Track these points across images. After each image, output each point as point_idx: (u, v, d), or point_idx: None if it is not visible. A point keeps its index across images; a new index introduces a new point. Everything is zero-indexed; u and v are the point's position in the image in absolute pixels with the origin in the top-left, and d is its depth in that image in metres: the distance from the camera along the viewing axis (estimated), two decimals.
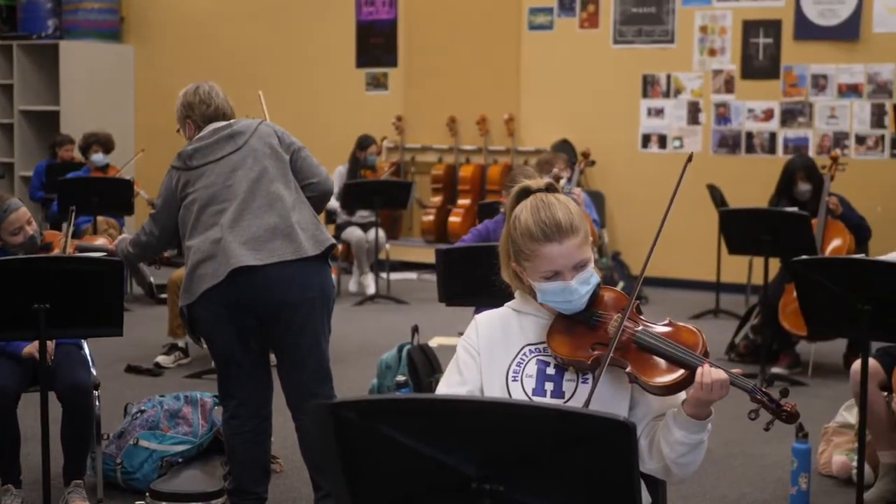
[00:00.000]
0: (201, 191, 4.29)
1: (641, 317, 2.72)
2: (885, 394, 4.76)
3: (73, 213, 5.07)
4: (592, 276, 2.69)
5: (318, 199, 4.49)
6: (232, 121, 4.50)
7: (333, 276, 8.34)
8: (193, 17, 12.80)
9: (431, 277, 10.88)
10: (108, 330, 4.22)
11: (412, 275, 11.11)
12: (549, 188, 2.75)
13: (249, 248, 4.17)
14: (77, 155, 10.13)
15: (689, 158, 2.75)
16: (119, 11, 13.15)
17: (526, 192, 2.74)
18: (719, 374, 2.53)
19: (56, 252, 4.81)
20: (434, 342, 7.40)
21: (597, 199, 10.07)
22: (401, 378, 5.97)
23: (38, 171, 10.52)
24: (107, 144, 9.48)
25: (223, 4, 12.61)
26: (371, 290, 9.99)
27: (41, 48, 12.80)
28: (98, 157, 9.39)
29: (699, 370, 2.55)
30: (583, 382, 2.67)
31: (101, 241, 5.34)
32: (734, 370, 2.58)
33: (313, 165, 4.46)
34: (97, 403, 4.69)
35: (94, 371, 4.78)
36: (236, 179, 4.29)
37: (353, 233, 10.14)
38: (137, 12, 13.22)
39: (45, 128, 12.74)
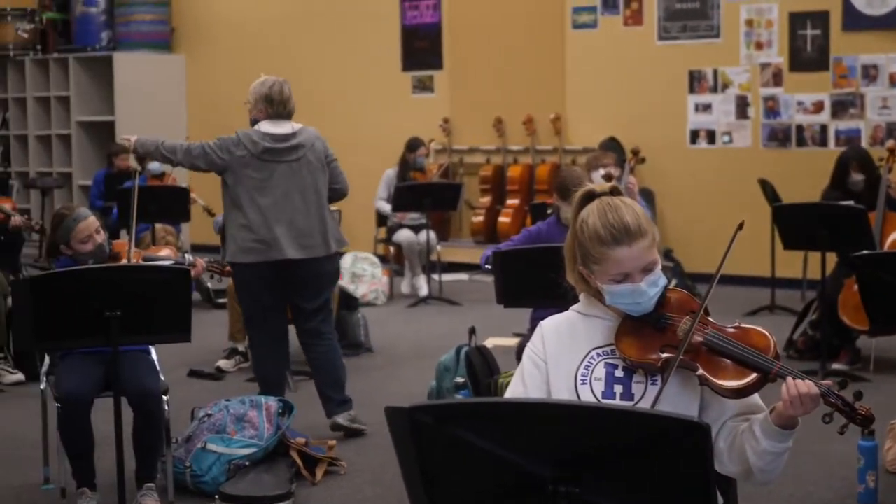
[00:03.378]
0: (258, 180, 5.58)
1: (710, 319, 2.75)
2: None
3: (136, 191, 5.22)
4: (660, 278, 2.73)
5: (335, 197, 5.90)
6: (297, 129, 5.72)
7: (385, 278, 8.95)
8: (242, 25, 12.92)
9: (483, 278, 10.92)
10: (177, 336, 4.32)
11: (464, 276, 11.15)
12: (614, 191, 2.79)
13: (296, 244, 5.59)
14: (133, 163, 10.27)
15: (740, 226, 2.74)
16: (170, 22, 13.31)
17: (590, 196, 2.78)
18: (806, 388, 2.56)
19: (123, 261, 4.91)
20: (489, 343, 7.43)
21: (647, 196, 10.07)
22: (459, 380, 6.02)
23: (96, 181, 10.68)
24: None
25: (271, 12, 12.72)
26: (424, 291, 10.04)
27: (96, 60, 12.98)
28: (154, 166, 9.54)
29: (785, 387, 2.57)
30: (651, 384, 2.69)
31: (165, 251, 5.45)
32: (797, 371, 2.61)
33: (338, 174, 5.85)
34: (166, 408, 4.78)
35: (162, 377, 4.88)
36: (292, 184, 5.62)
37: (404, 235, 10.20)
38: (188, 23, 13.37)
39: (101, 138, 12.92)
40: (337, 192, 5.89)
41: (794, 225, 7.19)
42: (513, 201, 11.19)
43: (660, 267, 2.74)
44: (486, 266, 5.37)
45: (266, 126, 5.67)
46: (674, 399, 2.66)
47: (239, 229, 5.60)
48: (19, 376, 6.93)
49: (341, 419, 5.79)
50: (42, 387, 4.91)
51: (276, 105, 5.68)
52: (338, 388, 5.84)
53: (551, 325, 2.84)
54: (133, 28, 12.99)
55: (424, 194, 9.75)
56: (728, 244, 2.71)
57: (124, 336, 4.16)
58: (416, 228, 10.20)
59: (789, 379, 2.57)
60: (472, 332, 6.22)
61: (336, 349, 5.93)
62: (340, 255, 6.13)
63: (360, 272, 9.72)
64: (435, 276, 10.22)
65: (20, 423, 6.12)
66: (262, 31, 12.76)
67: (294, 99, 5.75)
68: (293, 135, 5.66)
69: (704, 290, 2.75)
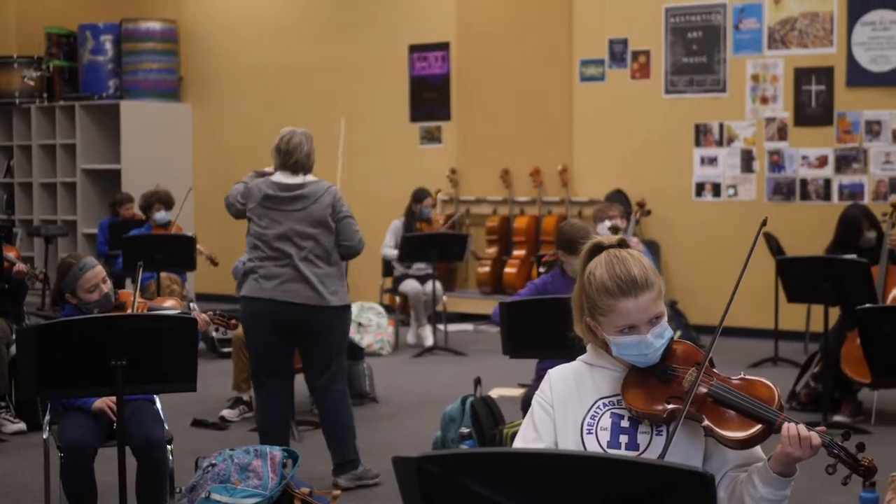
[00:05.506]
0: (260, 226, 5.69)
1: (715, 370, 2.76)
2: None
3: (140, 268, 5.21)
4: (667, 330, 2.74)
5: (345, 254, 5.81)
6: (306, 180, 5.73)
7: (390, 328, 8.98)
8: (249, 75, 13.02)
9: (489, 329, 10.92)
10: (183, 385, 4.31)
11: (469, 326, 11.16)
12: (622, 244, 2.80)
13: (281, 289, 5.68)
14: (138, 212, 10.31)
15: (764, 223, 2.78)
16: (177, 71, 13.42)
17: (598, 249, 2.80)
18: (807, 432, 2.57)
19: (128, 311, 4.91)
20: (494, 393, 7.43)
21: (652, 248, 10.09)
22: (464, 430, 6.00)
23: (101, 228, 10.71)
24: (168, 202, 9.65)
25: (278, 63, 12.82)
26: (429, 341, 10.04)
27: (102, 108, 13.08)
28: (161, 215, 9.56)
29: (785, 427, 2.59)
30: (657, 434, 2.70)
31: (170, 302, 5.45)
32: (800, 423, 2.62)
33: (349, 231, 5.74)
34: (170, 458, 4.77)
35: (166, 426, 4.87)
36: (292, 234, 5.67)
37: (410, 285, 10.21)
38: (195, 72, 13.48)
39: (106, 186, 12.98)
40: (346, 249, 5.79)
41: (798, 278, 7.21)
42: (519, 252, 11.22)
43: (666, 319, 2.75)
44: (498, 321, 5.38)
45: (278, 176, 5.75)
46: (679, 449, 2.67)
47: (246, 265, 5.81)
48: (20, 425, 6.91)
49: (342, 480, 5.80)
50: (45, 436, 4.89)
51: (282, 155, 5.72)
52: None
53: (559, 373, 2.85)
54: (140, 76, 13.10)
55: (431, 245, 9.78)
56: (753, 241, 2.73)
57: (130, 385, 4.15)
58: (423, 279, 10.22)
59: (789, 423, 2.58)
60: (478, 382, 6.21)
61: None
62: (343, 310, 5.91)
63: (366, 322, 9.73)
64: (440, 327, 10.22)
65: (22, 472, 6.11)
66: (270, 81, 12.86)
67: (306, 150, 5.73)
68: (300, 185, 5.70)
69: (696, 340, 2.76)
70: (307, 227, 5.66)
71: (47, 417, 4.92)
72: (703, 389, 2.69)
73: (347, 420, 5.86)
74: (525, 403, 5.51)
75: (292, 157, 5.69)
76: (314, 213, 5.66)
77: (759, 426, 2.62)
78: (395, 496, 5.56)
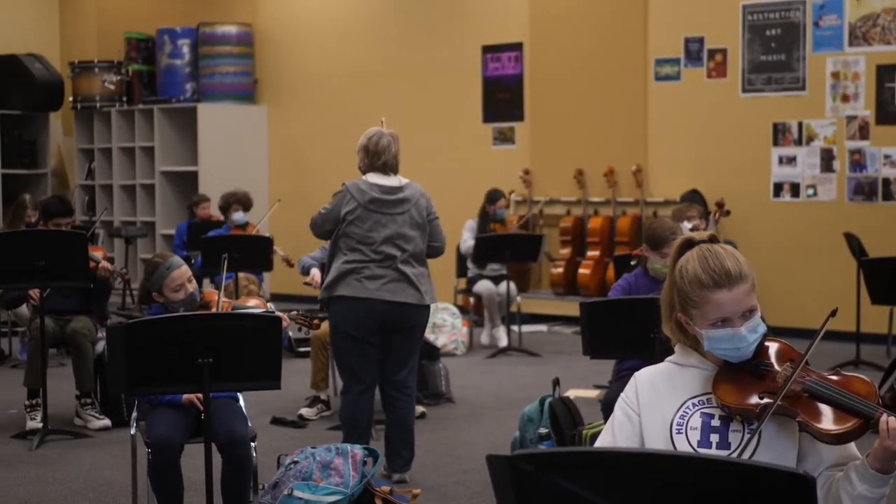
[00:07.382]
0: (363, 228, 5.65)
1: (810, 367, 2.72)
2: None
3: (225, 261, 5.27)
4: (760, 325, 2.70)
5: (433, 254, 5.93)
6: (402, 182, 5.77)
7: (465, 329, 9.04)
8: (323, 76, 13.12)
9: (563, 329, 10.91)
10: (267, 383, 4.34)
11: (542, 327, 11.13)
12: (713, 239, 2.78)
13: (390, 289, 5.68)
14: (215, 213, 10.42)
15: (833, 313, 2.71)
16: (253, 74, 13.55)
17: (689, 244, 2.78)
18: None
19: (213, 310, 4.97)
20: (570, 394, 7.41)
21: None
22: (543, 430, 5.99)
23: (179, 231, 10.82)
24: (246, 203, 9.76)
25: (352, 65, 12.90)
26: (503, 342, 10.03)
27: (180, 111, 13.27)
28: (238, 216, 9.67)
29: (884, 420, 2.54)
30: (749, 432, 2.66)
31: (254, 301, 5.51)
32: None
33: (439, 232, 5.90)
34: (254, 455, 4.82)
35: (249, 423, 4.92)
36: (396, 237, 5.69)
37: (484, 286, 10.21)
38: (270, 75, 13.61)
39: (184, 187, 13.17)
40: (435, 250, 5.92)
41: (882, 279, 7.11)
42: (593, 253, 11.16)
43: (759, 313, 2.71)
44: None
45: (373, 177, 5.74)
46: (773, 445, 2.63)
47: (342, 265, 5.71)
48: (106, 422, 7.02)
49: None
50: (132, 432, 4.97)
51: (371, 156, 5.73)
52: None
53: (646, 376, 2.82)
54: (217, 79, 13.25)
55: (505, 245, 9.76)
56: (820, 327, 2.67)
57: (216, 382, 4.19)
58: (496, 279, 10.21)
59: (888, 416, 2.54)
60: (556, 382, 6.19)
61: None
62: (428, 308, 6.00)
63: (441, 322, 9.75)
64: (514, 328, 10.20)
65: (108, 468, 6.21)
66: (343, 83, 12.94)
67: (394, 152, 5.74)
68: (400, 188, 5.74)
69: (809, 342, 2.70)
70: (409, 229, 5.72)
71: (134, 414, 5.00)
72: (799, 384, 2.65)
73: (413, 417, 5.97)
74: (606, 405, 5.48)
75: (380, 159, 5.72)
76: (414, 216, 5.74)
77: (855, 420, 2.57)
78: (476, 495, 5.60)
